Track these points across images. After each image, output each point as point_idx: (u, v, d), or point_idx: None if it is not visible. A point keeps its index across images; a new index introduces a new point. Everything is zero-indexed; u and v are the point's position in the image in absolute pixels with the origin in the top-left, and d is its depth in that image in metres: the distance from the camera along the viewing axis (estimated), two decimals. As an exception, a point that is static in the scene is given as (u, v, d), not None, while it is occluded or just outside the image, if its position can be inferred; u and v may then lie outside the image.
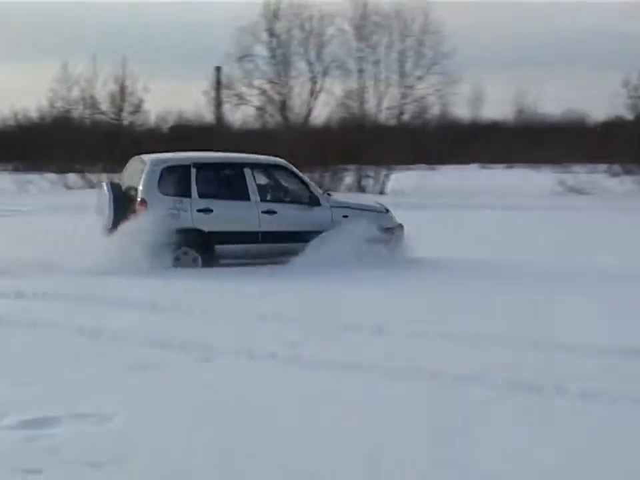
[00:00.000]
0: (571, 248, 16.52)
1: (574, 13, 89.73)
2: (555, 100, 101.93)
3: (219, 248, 13.98)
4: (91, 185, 35.43)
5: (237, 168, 14.68)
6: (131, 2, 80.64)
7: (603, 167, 42.55)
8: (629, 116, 37.28)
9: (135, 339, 8.75)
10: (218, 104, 44.17)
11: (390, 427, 6.22)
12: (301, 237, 14.15)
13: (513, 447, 5.83)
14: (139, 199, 13.75)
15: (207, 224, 13.93)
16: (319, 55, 40.08)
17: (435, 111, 42.84)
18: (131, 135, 40.96)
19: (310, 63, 40.14)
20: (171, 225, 13.49)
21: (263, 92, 40.48)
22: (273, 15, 40.13)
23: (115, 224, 13.62)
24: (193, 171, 14.20)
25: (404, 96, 39.33)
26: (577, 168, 40.83)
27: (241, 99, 40.90)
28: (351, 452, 5.74)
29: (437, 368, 7.56)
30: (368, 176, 38.74)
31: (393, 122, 40.14)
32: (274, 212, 14.44)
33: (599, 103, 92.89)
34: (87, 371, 7.66)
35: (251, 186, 14.42)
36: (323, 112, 41.30)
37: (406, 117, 40.07)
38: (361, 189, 38.71)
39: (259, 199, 14.43)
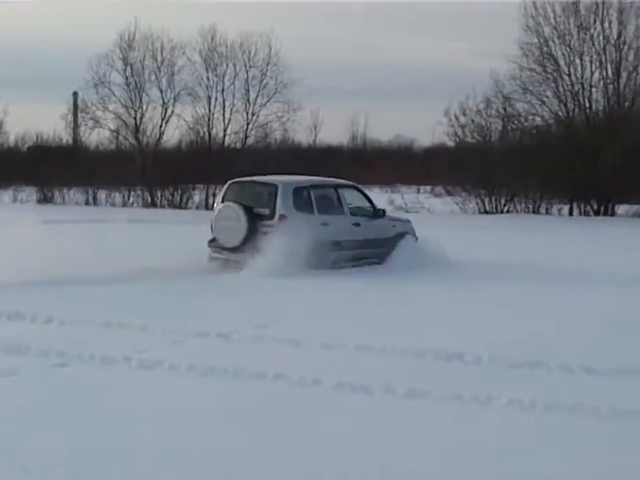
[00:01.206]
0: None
1: (404, 49, 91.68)
2: (385, 127, 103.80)
3: (334, 254, 15.02)
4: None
5: (334, 188, 15.97)
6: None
7: (427, 188, 43.65)
8: (450, 143, 38.23)
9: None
10: (75, 126, 43.63)
11: (223, 427, 6.18)
12: (376, 244, 15.80)
13: (336, 445, 5.85)
14: (278, 215, 14.62)
15: (326, 235, 15.02)
16: (170, 83, 39.96)
17: (276, 135, 43.14)
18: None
19: (162, 90, 39.99)
20: (317, 236, 14.51)
21: (118, 116, 40.29)
22: (127, 45, 39.88)
23: (247, 237, 14.47)
24: (312, 191, 15.40)
25: (248, 121, 39.65)
26: (404, 189, 41.75)
27: (97, 122, 40.78)
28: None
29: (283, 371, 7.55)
30: (215, 194, 38.65)
31: (238, 145, 40.33)
32: (359, 224, 15.80)
33: (425, 130, 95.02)
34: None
35: (345, 203, 15.83)
36: (174, 135, 41.19)
37: (250, 140, 40.35)
38: (209, 206, 38.56)
39: (349, 213, 15.79)
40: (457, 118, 36.21)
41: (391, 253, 15.78)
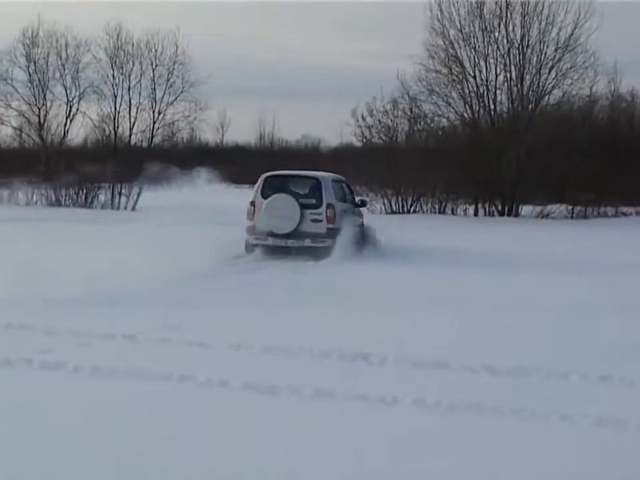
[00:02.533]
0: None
1: (313, 49, 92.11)
2: (292, 126, 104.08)
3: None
4: None
5: (344, 183, 19.10)
6: None
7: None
8: (357, 143, 38.45)
9: None
10: (-25, 123, 42.47)
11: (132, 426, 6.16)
12: (361, 230, 18.57)
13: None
14: (326, 204, 17.18)
15: (358, 221, 18.62)
16: (75, 80, 39.39)
17: (183, 134, 42.89)
18: None
19: (66, 88, 39.39)
20: (356, 222, 18.28)
21: (21, 113, 39.50)
22: (30, 41, 39.16)
23: (299, 224, 16.99)
24: (341, 184, 18.63)
25: (155, 120, 39.28)
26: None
27: (-1, 119, 39.80)
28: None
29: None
30: (121, 193, 38.20)
31: (145, 144, 39.95)
32: (360, 214, 19.32)
33: (332, 130, 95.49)
34: None
35: (349, 195, 19.09)
36: (79, 134, 40.63)
37: (157, 139, 40.00)
38: (114, 205, 38.14)
39: (354, 204, 19.17)
40: (364, 118, 36.44)
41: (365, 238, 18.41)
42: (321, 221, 17.14)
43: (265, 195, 17.47)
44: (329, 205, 17.25)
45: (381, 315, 10.84)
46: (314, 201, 17.29)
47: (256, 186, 17.79)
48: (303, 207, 17.14)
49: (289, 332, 9.51)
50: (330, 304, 11.58)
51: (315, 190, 17.45)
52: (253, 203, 17.54)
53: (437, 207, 34.61)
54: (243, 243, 17.40)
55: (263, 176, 17.90)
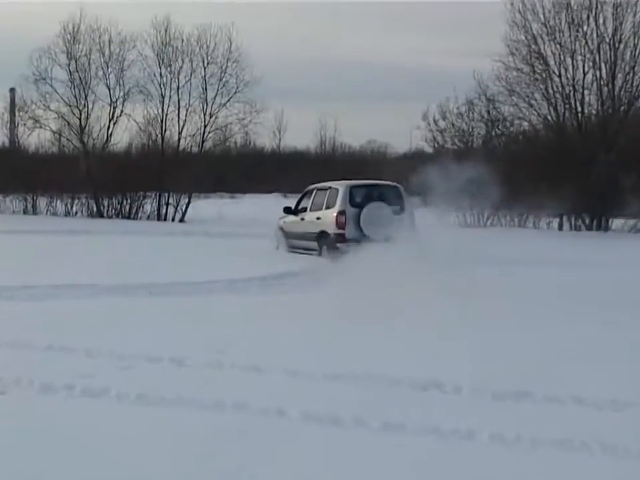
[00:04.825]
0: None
1: (378, 48, 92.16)
2: (356, 131, 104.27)
3: None
4: None
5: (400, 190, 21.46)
6: None
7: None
8: (428, 148, 38.43)
9: None
10: (12, 126, 42.99)
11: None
12: None
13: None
14: (408, 211, 20.57)
15: None
16: (119, 79, 39.65)
17: (237, 138, 43.07)
18: None
19: (109, 88, 39.65)
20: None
21: (60, 115, 39.77)
22: (71, 37, 39.49)
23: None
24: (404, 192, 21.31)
25: (206, 123, 39.39)
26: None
27: (37, 122, 40.02)
28: None
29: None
30: (168, 203, 38.64)
31: (194, 149, 40.12)
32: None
33: (400, 135, 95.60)
34: None
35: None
36: (123, 137, 40.93)
37: (208, 144, 40.10)
38: (161, 216, 38.57)
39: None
40: (435, 122, 36.56)
41: None
42: (404, 227, 19.45)
43: (355, 204, 20.31)
44: (410, 213, 20.63)
45: (456, 334, 10.83)
46: (398, 208, 20.36)
47: (341, 196, 20.51)
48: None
49: (354, 355, 9.51)
50: (398, 322, 11.56)
51: (397, 197, 20.79)
52: (343, 212, 20.24)
53: (516, 220, 34.31)
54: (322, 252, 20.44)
55: (347, 186, 20.81)
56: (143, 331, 10.88)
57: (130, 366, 8.83)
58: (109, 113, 39.67)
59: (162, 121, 39.53)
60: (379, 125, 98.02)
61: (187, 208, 38.66)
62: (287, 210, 23.20)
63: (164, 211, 38.81)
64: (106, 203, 38.85)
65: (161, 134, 39.58)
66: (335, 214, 20.40)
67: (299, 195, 23.19)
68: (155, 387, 7.97)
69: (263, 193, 53.33)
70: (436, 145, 37.10)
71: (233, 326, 11.48)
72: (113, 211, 38.90)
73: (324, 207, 21.11)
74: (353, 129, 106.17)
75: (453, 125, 36.35)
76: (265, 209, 36.96)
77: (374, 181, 22.22)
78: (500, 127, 36.19)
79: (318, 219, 21.20)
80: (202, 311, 12.86)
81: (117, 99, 39.72)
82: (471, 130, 36.57)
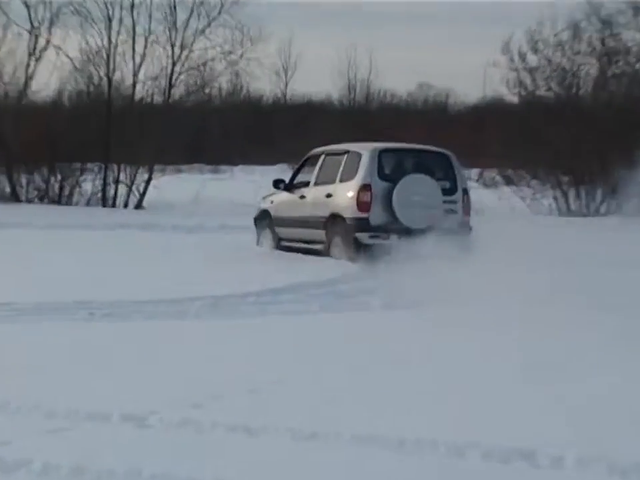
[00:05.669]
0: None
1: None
2: (402, 71, 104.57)
3: None
4: None
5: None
6: None
7: (471, 172, 43.52)
8: (512, 96, 38.23)
9: None
10: None
11: None
12: None
13: None
14: (461, 189, 20.77)
15: None
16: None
17: (222, 83, 42.95)
18: None
19: (28, 5, 39.53)
20: None
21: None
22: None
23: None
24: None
25: (175, 60, 39.16)
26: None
27: None
28: None
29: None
30: (118, 181, 38.49)
31: (157, 99, 40.02)
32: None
33: (467, 78, 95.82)
34: None
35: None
36: (50, 82, 40.71)
37: (177, 92, 39.91)
38: (107, 200, 38.39)
39: None
40: (522, 57, 36.41)
41: None
42: (455, 212, 20.41)
43: (386, 177, 20.31)
44: (465, 192, 20.86)
45: (546, 378, 10.68)
46: (447, 185, 20.48)
47: (365, 164, 20.31)
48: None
49: (394, 409, 9.50)
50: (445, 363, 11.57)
51: (446, 170, 20.89)
52: (367, 188, 20.06)
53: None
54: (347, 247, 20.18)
55: (374, 150, 20.75)
56: (82, 374, 10.65)
57: (62, 427, 8.70)
58: (29, 44, 39.59)
59: (108, 57, 39.33)
60: (436, 63, 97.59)
61: (146, 188, 38.67)
62: (278, 184, 23.08)
63: (112, 192, 38.78)
64: (24, 181, 38.68)
65: (107, 76, 39.37)
66: (355, 189, 20.17)
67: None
68: (98, 457, 7.96)
69: (263, 164, 52.89)
70: (523, 92, 36.89)
71: (217, 367, 11.42)
72: (35, 192, 38.67)
73: (337, 180, 20.89)
74: (397, 69, 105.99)
75: (548, 61, 36.15)
76: (265, 188, 36.91)
77: (414, 145, 22.48)
78: (621, 63, 36.04)
79: (328, 196, 20.92)
80: (171, 343, 12.58)
81: (40, 24, 39.66)
82: (576, 69, 36.44)
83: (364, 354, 12.15)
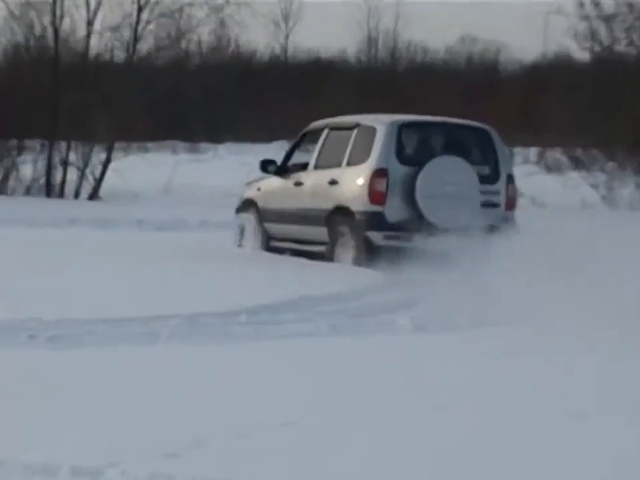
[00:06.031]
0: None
1: None
2: (437, 22, 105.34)
3: None
4: None
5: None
6: None
7: (530, 151, 43.57)
8: (582, 53, 38.32)
9: None
10: None
11: None
12: None
13: None
14: (506, 175, 20.95)
15: None
16: None
17: (203, 36, 43.15)
18: None
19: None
20: None
21: None
22: None
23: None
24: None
25: (142, 5, 39.24)
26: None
27: None
28: None
29: None
30: (67, 162, 38.55)
31: (118, 57, 40.17)
32: None
33: (522, 31, 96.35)
34: None
35: None
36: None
37: (144, 47, 40.09)
38: (53, 188, 38.43)
39: None
40: (595, 2, 36.40)
41: None
42: (497, 205, 20.53)
43: (407, 159, 20.28)
44: (510, 179, 20.96)
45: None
46: (487, 171, 20.57)
47: (380, 141, 20.07)
48: None
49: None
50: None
51: (485, 150, 21.09)
52: (383, 173, 19.77)
53: None
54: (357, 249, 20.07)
55: (392, 124, 20.55)
56: (19, 416, 10.55)
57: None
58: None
59: (54, 1, 39.54)
60: (483, 9, 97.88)
61: (103, 173, 38.69)
62: (267, 166, 23.23)
63: (58, 177, 38.76)
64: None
65: (53, 25, 39.59)
66: (367, 175, 19.88)
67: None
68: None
69: (255, 141, 53.34)
70: (596, 47, 36.89)
71: (196, 405, 11.23)
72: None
73: (344, 162, 20.76)
74: (432, 17, 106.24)
75: (630, 6, 36.18)
76: (258, 172, 37.02)
77: (444, 119, 21.96)
78: None
79: (332, 183, 20.83)
80: (135, 375, 12.47)
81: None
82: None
83: (390, 392, 11.99)
